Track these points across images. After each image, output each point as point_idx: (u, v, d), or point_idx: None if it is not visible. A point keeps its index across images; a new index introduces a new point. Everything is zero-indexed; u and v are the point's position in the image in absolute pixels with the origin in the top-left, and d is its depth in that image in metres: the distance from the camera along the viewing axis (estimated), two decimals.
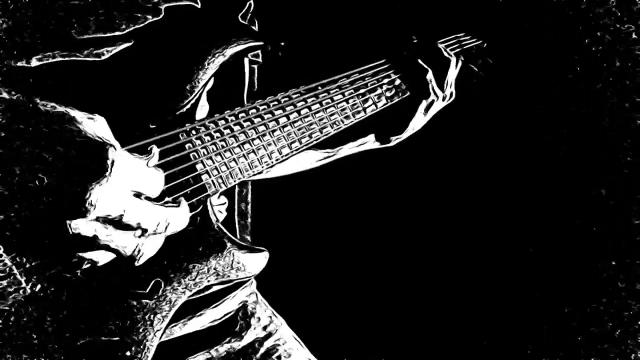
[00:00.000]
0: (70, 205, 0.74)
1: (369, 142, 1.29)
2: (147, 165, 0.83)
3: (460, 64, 1.33)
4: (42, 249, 0.77)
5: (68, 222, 0.74)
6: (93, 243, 0.77)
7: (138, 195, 0.80)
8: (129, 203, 0.78)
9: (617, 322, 1.63)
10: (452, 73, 1.29)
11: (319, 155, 1.26)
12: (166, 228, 0.84)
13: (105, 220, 0.77)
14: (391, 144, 1.30)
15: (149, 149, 0.85)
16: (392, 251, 1.77)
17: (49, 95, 0.77)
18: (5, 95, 0.75)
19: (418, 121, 1.29)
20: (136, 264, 0.83)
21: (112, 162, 0.75)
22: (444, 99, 1.29)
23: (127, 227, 0.79)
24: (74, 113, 0.77)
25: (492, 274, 1.73)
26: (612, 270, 1.64)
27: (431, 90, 1.26)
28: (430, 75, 1.26)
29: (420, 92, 1.27)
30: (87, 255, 0.79)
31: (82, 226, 0.75)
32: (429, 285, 1.76)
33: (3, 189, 0.73)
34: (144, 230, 0.81)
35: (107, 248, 0.79)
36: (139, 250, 0.81)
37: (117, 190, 0.76)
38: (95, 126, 0.78)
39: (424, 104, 1.27)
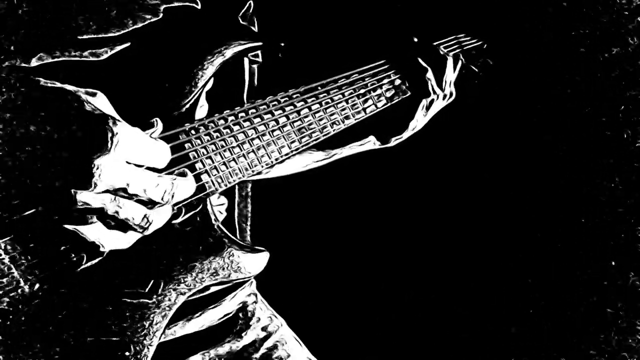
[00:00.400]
0: (75, 180, 0.74)
1: (369, 143, 1.28)
2: (151, 137, 0.82)
3: (460, 64, 1.33)
4: (41, 245, 0.77)
5: (73, 191, 0.74)
6: (100, 215, 0.77)
7: (143, 166, 0.80)
8: (133, 174, 0.78)
9: (618, 323, 1.63)
10: (450, 72, 1.29)
11: (319, 155, 1.26)
12: (172, 197, 0.83)
13: (112, 192, 0.77)
14: (391, 145, 1.30)
15: (152, 121, 0.85)
16: (392, 251, 1.76)
17: None
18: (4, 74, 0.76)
19: (418, 121, 1.29)
20: (146, 232, 0.83)
21: (114, 134, 0.75)
22: (444, 98, 1.29)
23: (134, 198, 0.79)
24: (74, 89, 0.77)
25: (492, 274, 1.73)
26: (612, 270, 1.64)
27: (430, 90, 1.26)
28: (429, 75, 1.26)
29: (420, 92, 1.27)
30: (92, 234, 0.79)
31: (88, 198, 0.75)
32: (429, 285, 1.75)
33: (3, 168, 0.73)
34: (151, 201, 0.81)
35: (115, 220, 0.79)
36: (147, 219, 0.81)
37: (121, 162, 0.76)
38: (96, 101, 0.78)
39: (423, 103, 1.26)
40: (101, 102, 0.79)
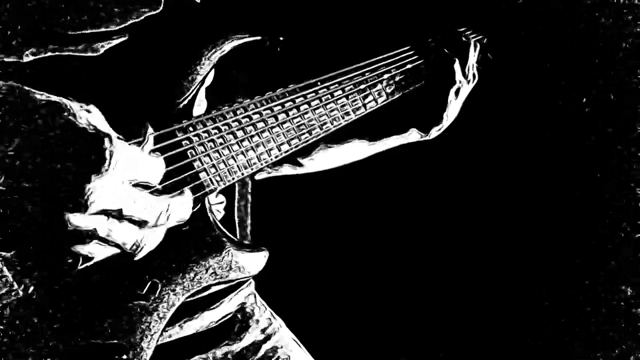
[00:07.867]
0: (68, 200, 0.72)
1: (412, 134, 1.29)
2: (143, 150, 0.81)
3: (479, 47, 1.36)
4: (36, 248, 0.76)
5: (66, 215, 0.72)
6: (92, 237, 0.76)
7: (138, 186, 0.79)
8: (128, 195, 0.76)
9: (618, 324, 1.63)
10: (473, 57, 1.32)
11: (362, 147, 1.27)
12: (168, 219, 0.82)
13: (105, 214, 0.75)
14: (432, 136, 1.31)
15: (142, 132, 0.84)
16: (393, 251, 1.76)
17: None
18: None
19: (452, 109, 1.30)
20: (135, 258, 0.82)
21: (111, 154, 0.74)
22: (468, 83, 1.32)
23: (128, 220, 0.78)
24: (68, 103, 0.75)
25: (493, 275, 1.73)
26: (613, 270, 1.64)
27: (457, 78, 1.29)
28: (456, 65, 1.29)
29: (447, 81, 1.29)
30: (84, 249, 0.77)
31: (81, 221, 0.74)
32: (430, 286, 1.75)
33: None
34: (145, 223, 0.80)
35: (106, 242, 0.78)
36: (139, 244, 0.80)
37: (116, 182, 0.75)
38: (91, 117, 0.76)
39: (452, 92, 1.29)
40: (95, 118, 0.77)
